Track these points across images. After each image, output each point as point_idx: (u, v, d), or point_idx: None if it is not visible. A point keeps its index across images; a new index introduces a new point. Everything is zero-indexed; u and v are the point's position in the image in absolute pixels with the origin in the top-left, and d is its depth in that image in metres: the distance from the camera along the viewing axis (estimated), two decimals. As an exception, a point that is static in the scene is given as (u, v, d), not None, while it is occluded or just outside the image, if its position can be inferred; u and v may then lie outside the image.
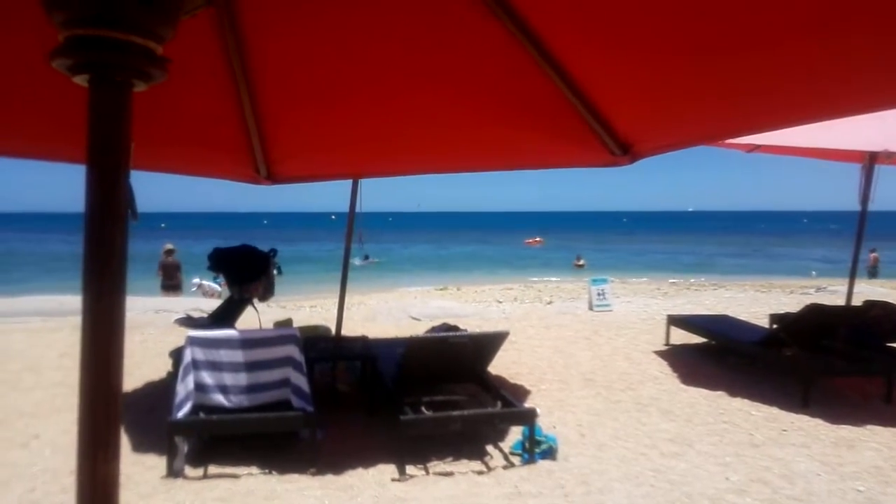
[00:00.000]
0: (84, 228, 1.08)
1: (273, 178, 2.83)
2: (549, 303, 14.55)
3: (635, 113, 2.18)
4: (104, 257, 1.08)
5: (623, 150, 2.32)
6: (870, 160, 7.49)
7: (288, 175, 2.91)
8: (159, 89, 1.34)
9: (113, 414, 1.07)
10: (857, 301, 7.56)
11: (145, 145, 2.03)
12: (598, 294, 11.86)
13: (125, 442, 4.96)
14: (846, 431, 5.37)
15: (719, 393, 6.40)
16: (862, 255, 8.17)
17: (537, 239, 63.41)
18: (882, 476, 4.52)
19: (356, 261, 32.47)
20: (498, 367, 6.76)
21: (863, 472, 4.58)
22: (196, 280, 17.87)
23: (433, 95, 2.31)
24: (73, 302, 9.57)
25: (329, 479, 4.39)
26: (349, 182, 6.68)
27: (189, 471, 4.45)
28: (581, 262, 36.13)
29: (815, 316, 6.52)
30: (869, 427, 5.46)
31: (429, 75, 2.15)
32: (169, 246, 15.40)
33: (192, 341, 4.61)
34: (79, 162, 1.11)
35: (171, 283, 14.81)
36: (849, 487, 4.34)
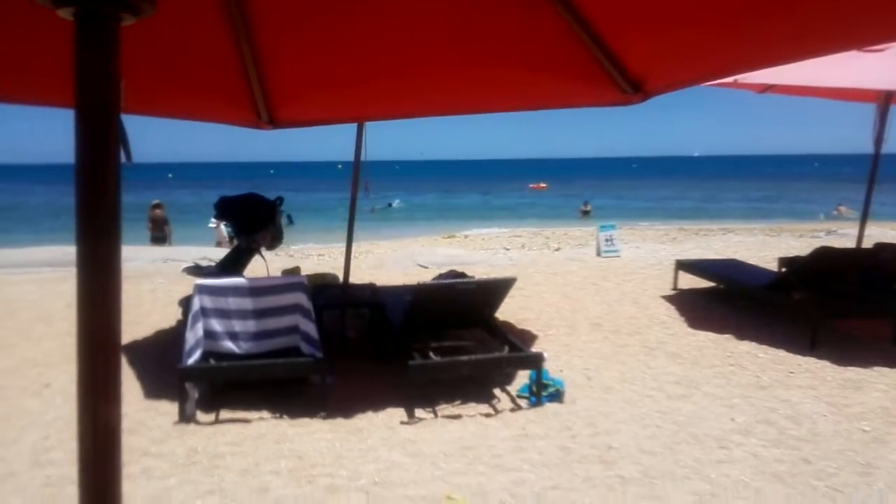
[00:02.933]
0: (75, 173, 1.04)
1: (275, 122, 2.76)
2: (557, 249, 14.54)
3: (648, 47, 2.09)
4: (97, 201, 1.04)
5: (634, 87, 2.24)
6: (885, 99, 7.33)
7: (290, 119, 2.84)
8: (150, 27, 1.29)
9: (112, 359, 1.05)
10: (868, 244, 7.49)
11: (137, 87, 1.97)
12: (606, 240, 11.81)
13: (137, 388, 5.03)
14: (853, 373, 5.39)
15: (727, 336, 6.41)
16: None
17: (542, 185, 64.80)
18: (888, 416, 4.54)
19: (377, 206, 32.68)
20: (506, 313, 6.77)
21: (869, 413, 4.60)
22: (214, 222, 18.10)
23: (438, 33, 2.23)
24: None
25: (339, 422, 4.45)
26: (354, 131, 6.59)
27: (201, 416, 4.52)
28: (587, 207, 35.93)
29: (824, 259, 6.47)
30: (876, 369, 5.47)
31: (434, 11, 2.07)
32: (156, 201, 16.91)
33: (201, 289, 4.62)
34: (69, 105, 1.07)
35: (160, 234, 16.10)
36: (855, 428, 4.36)
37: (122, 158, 1.14)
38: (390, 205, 44.03)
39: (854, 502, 3.43)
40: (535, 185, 65.37)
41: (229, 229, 17.17)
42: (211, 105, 2.50)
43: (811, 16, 1.59)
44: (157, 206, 16.60)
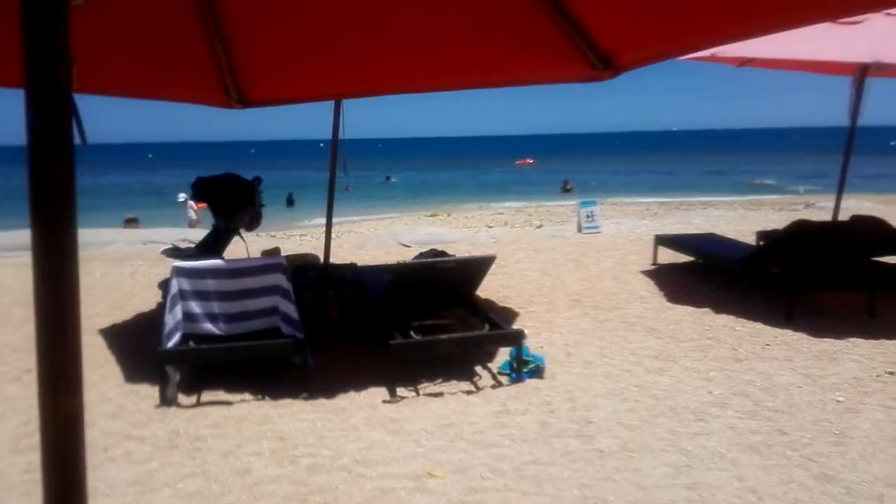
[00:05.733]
0: (27, 155, 1.03)
1: (245, 101, 2.72)
2: (539, 226, 14.57)
3: (617, 21, 2.08)
4: (50, 184, 1.03)
5: (605, 63, 2.23)
6: (861, 73, 7.36)
7: (262, 98, 2.80)
8: (110, 6, 1.26)
9: (72, 346, 1.05)
10: (844, 216, 7.57)
11: (99, 67, 1.94)
12: (587, 216, 11.84)
13: (118, 373, 5.02)
14: (828, 344, 5.47)
15: (705, 310, 6.48)
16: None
17: (528, 160, 65.73)
18: (861, 387, 4.63)
19: (351, 184, 32.87)
20: (487, 290, 6.80)
21: (843, 384, 4.68)
22: (182, 196, 17.98)
23: (411, 10, 2.20)
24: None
25: (321, 402, 4.46)
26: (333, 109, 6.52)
27: (182, 399, 4.51)
28: (569, 186, 35.94)
29: (801, 232, 6.54)
30: (851, 340, 5.56)
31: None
32: (131, 215, 16.94)
33: (178, 272, 4.59)
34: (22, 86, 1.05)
35: None
36: (829, 398, 4.44)
37: (77, 140, 1.13)
38: (388, 178, 45.24)
39: (827, 471, 3.50)
40: (521, 161, 66.31)
41: (195, 211, 17.16)
42: (177, 85, 2.46)
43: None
44: (132, 220, 16.33)
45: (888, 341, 5.51)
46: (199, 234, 10.13)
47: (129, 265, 9.12)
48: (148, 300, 7.07)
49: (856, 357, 5.19)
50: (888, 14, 6.42)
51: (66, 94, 1.04)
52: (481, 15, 2.14)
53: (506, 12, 2.10)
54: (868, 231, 6.76)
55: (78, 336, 1.06)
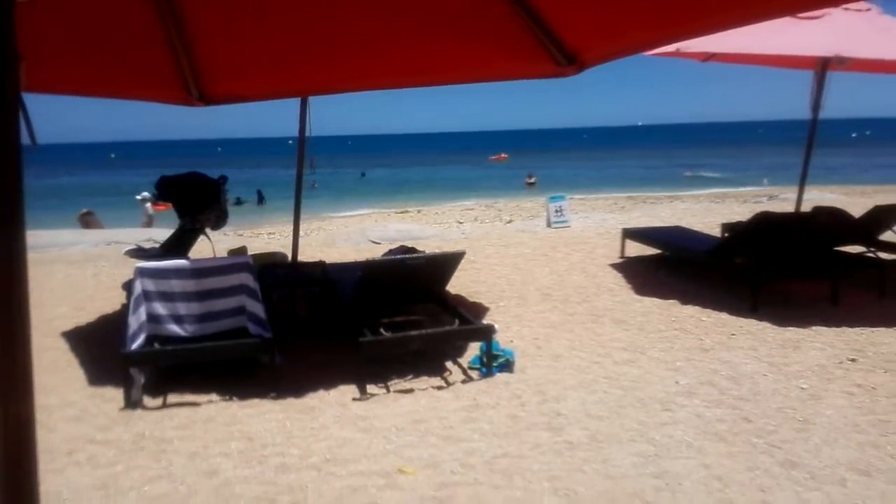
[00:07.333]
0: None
1: (207, 99, 2.68)
2: (509, 222, 14.65)
3: (581, 19, 2.09)
4: (-3, 186, 1.00)
5: (569, 59, 2.24)
6: (822, 66, 7.51)
7: (224, 95, 2.77)
8: (63, 4, 1.23)
9: (22, 352, 1.02)
10: (807, 207, 7.72)
11: (53, 65, 1.89)
12: (556, 211, 11.91)
13: (81, 376, 4.92)
14: (792, 333, 5.58)
15: (672, 301, 6.56)
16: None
17: (502, 155, 66.67)
18: (825, 374, 4.73)
19: (317, 182, 32.78)
20: (458, 286, 6.80)
21: (807, 371, 4.78)
22: (146, 194, 17.51)
23: (375, 7, 2.19)
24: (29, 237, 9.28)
25: (290, 402, 4.42)
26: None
27: (148, 401, 4.44)
28: (532, 179, 36.27)
29: (765, 223, 6.65)
30: (814, 328, 5.68)
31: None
32: (86, 210, 16.27)
33: (142, 272, 4.51)
34: None
35: None
36: (793, 386, 4.53)
37: (26, 140, 1.10)
38: (363, 174, 46.26)
39: (792, 457, 3.57)
40: (495, 157, 67.23)
41: (151, 210, 16.83)
42: (135, 83, 2.41)
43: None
44: (88, 213, 15.83)
45: (850, 329, 5.64)
46: (164, 234, 9.97)
47: (92, 266, 8.94)
48: (112, 301, 6.94)
49: (819, 345, 5.30)
50: (846, 9, 6.55)
51: (12, 93, 1.01)
52: (445, 12, 2.14)
53: (470, 10, 2.09)
54: (830, 222, 6.90)
55: (28, 342, 1.04)
